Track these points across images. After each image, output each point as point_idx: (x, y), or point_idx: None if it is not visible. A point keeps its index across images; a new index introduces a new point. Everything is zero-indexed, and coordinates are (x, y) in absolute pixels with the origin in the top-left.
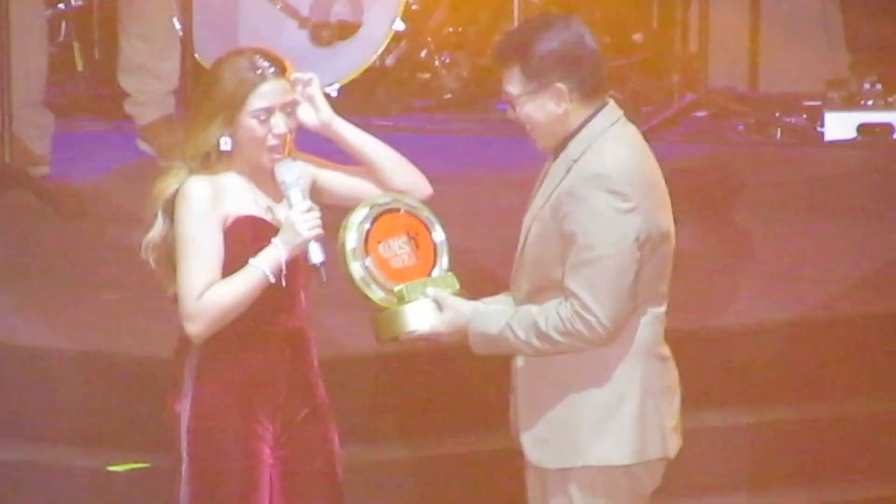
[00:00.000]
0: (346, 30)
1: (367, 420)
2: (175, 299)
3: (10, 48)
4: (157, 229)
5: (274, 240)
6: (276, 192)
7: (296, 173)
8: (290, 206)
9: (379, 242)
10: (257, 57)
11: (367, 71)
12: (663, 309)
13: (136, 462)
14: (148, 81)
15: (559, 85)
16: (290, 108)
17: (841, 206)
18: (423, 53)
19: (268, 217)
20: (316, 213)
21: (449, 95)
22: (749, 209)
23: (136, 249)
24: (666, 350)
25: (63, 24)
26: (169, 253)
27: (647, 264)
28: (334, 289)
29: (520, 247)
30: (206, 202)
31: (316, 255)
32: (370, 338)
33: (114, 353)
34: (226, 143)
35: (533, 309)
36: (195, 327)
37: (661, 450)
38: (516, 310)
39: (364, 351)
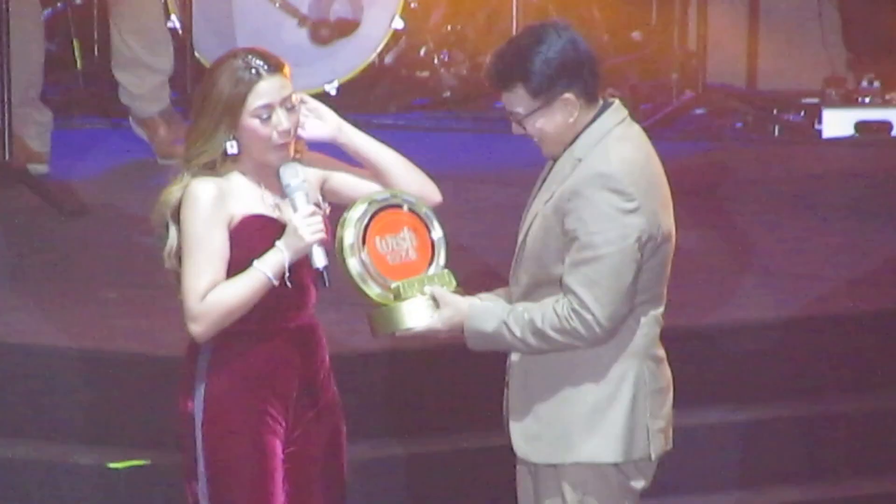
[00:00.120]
0: (346, 28)
1: (364, 417)
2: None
3: (9, 46)
4: (174, 238)
5: (277, 243)
6: (283, 190)
7: (300, 177)
8: (294, 209)
9: (377, 238)
10: (250, 57)
11: (366, 69)
12: (661, 310)
13: (136, 459)
14: (142, 74)
15: (566, 95)
16: (290, 104)
17: (838, 204)
18: (422, 52)
19: (275, 215)
20: (319, 218)
21: (448, 94)
22: (746, 206)
23: (136, 247)
24: (661, 351)
25: (62, 22)
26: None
27: (647, 265)
28: (332, 286)
29: (520, 242)
30: (211, 203)
31: (319, 259)
32: (367, 335)
33: (113, 350)
34: (232, 147)
35: (530, 306)
36: (198, 328)
37: (644, 450)
38: (513, 307)
39: (362, 348)
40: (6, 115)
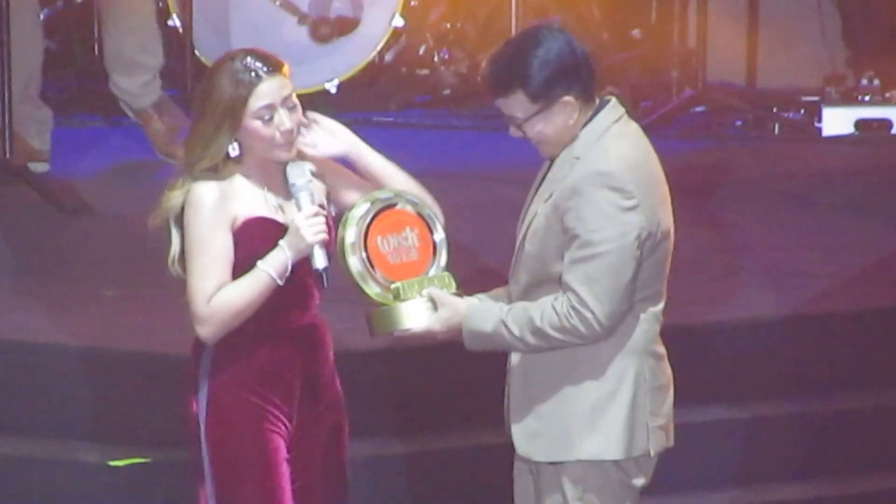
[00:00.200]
0: (346, 26)
1: (365, 414)
2: None
3: (9, 44)
4: (177, 244)
5: (280, 242)
6: (286, 191)
7: (306, 177)
8: (298, 209)
9: (378, 238)
10: (249, 58)
11: (366, 67)
12: (661, 307)
13: (136, 457)
14: (134, 71)
15: (566, 98)
16: (291, 103)
17: (838, 202)
18: (422, 50)
19: (278, 217)
20: (322, 219)
21: (448, 91)
22: (746, 205)
23: (136, 246)
24: (661, 348)
25: (62, 21)
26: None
27: (646, 262)
28: (333, 285)
29: (519, 240)
30: (213, 205)
31: (319, 260)
32: (367, 333)
33: (113, 348)
34: (234, 150)
35: (528, 305)
36: (206, 330)
37: (644, 446)
38: (511, 306)
39: (363, 346)
40: (6, 113)
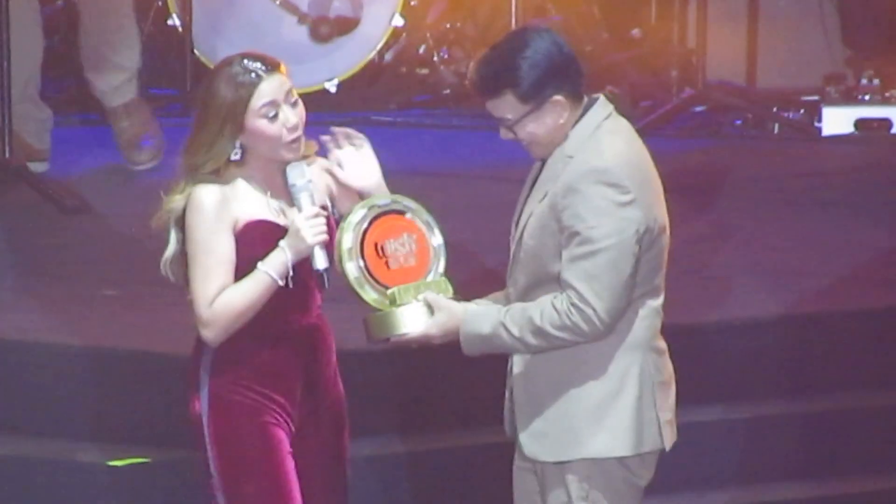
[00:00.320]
0: (345, 26)
1: (366, 414)
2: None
3: (8, 43)
4: (173, 246)
5: (280, 243)
6: (288, 194)
7: (306, 177)
8: (299, 210)
9: (376, 244)
10: (246, 60)
11: (366, 67)
12: (660, 301)
13: (136, 457)
14: (110, 71)
15: (556, 97)
16: (292, 98)
17: (838, 201)
18: (422, 49)
19: (280, 220)
20: (322, 220)
21: (447, 91)
22: (746, 204)
23: (136, 245)
24: (663, 343)
25: (61, 20)
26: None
27: (644, 257)
28: (333, 284)
29: (515, 243)
30: (216, 208)
31: (320, 261)
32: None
33: (114, 347)
34: (235, 153)
35: (527, 305)
36: (210, 333)
37: (657, 442)
38: (508, 307)
39: (363, 346)
40: (6, 112)
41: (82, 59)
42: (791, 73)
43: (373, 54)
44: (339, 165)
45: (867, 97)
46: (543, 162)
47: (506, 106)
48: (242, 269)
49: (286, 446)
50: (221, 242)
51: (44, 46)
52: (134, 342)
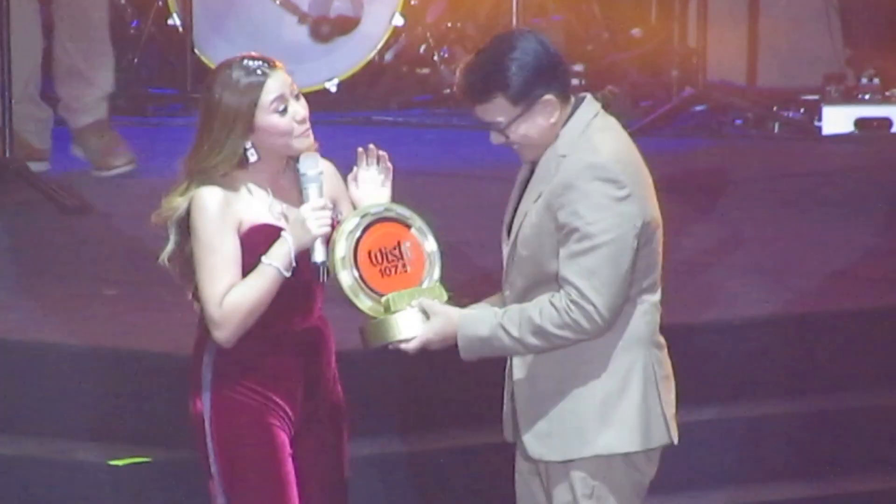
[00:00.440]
0: (346, 25)
1: (365, 414)
2: (193, 300)
3: (9, 43)
4: (171, 246)
5: (283, 234)
6: (291, 198)
7: (318, 168)
8: (306, 199)
9: (370, 251)
10: (247, 61)
11: (366, 66)
12: (658, 297)
13: (137, 457)
14: (82, 87)
15: (546, 97)
16: (296, 92)
17: (838, 201)
18: (422, 49)
19: (282, 224)
20: (328, 212)
21: (448, 90)
22: (746, 203)
23: (137, 244)
24: (662, 339)
25: None
26: (188, 262)
27: (641, 252)
28: (333, 285)
29: (509, 245)
30: (220, 208)
31: (319, 254)
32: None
33: (114, 347)
34: (252, 155)
35: (524, 306)
36: (222, 333)
37: (665, 436)
38: (505, 309)
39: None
40: (6, 112)
41: (54, 72)
42: (791, 72)
43: (373, 54)
44: (356, 180)
45: (867, 96)
46: (532, 164)
47: (497, 109)
48: (245, 273)
49: (287, 449)
50: (227, 241)
51: (43, 46)
52: (134, 342)
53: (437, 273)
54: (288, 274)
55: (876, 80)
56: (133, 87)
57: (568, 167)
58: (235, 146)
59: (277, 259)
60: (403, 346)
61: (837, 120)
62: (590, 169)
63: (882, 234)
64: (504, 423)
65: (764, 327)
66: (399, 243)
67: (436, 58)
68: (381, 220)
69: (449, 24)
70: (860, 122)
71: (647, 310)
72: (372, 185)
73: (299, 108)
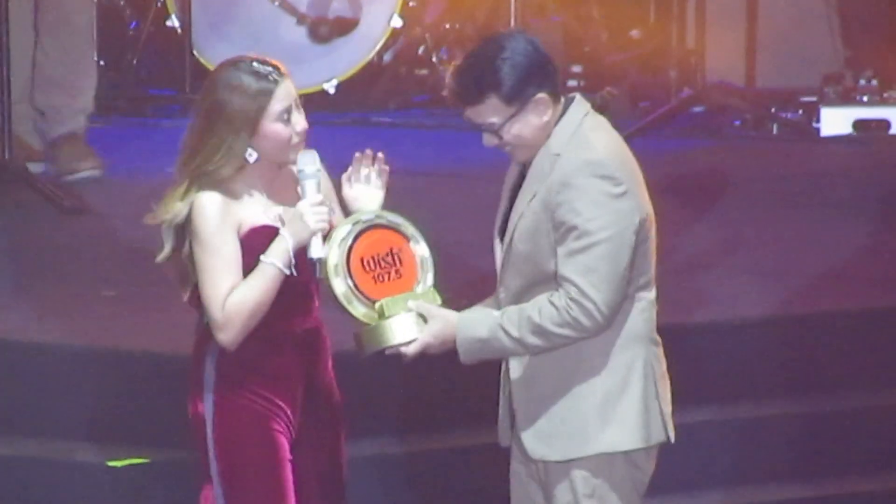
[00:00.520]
0: (344, 26)
1: (363, 414)
2: (189, 303)
3: (8, 44)
4: (167, 250)
5: (281, 231)
6: (288, 199)
7: (316, 166)
8: (303, 196)
9: (362, 259)
10: (256, 64)
11: (365, 67)
12: (654, 294)
13: (136, 457)
14: (61, 98)
15: (539, 95)
16: (299, 103)
17: (836, 202)
18: (421, 50)
19: (279, 225)
20: (325, 208)
21: (447, 91)
22: (744, 204)
23: (136, 245)
24: (658, 336)
25: None
26: (185, 266)
27: (639, 248)
28: (326, 290)
29: (504, 247)
30: (220, 211)
31: (316, 249)
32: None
33: (113, 348)
34: (251, 156)
35: (523, 306)
36: (226, 335)
37: (662, 434)
38: (504, 310)
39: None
40: (6, 112)
41: (34, 79)
42: (790, 73)
43: (372, 55)
44: (349, 181)
45: (865, 98)
46: (522, 166)
47: (490, 110)
48: (247, 274)
49: (287, 454)
50: (227, 243)
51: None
52: (134, 342)
53: (430, 279)
54: (288, 272)
55: (874, 82)
56: (132, 88)
57: (564, 165)
58: (240, 148)
59: (277, 257)
60: (402, 349)
61: (836, 121)
62: (587, 166)
63: (880, 234)
64: (500, 427)
65: (763, 327)
66: (391, 250)
67: (434, 59)
68: (372, 227)
69: (447, 25)
70: (858, 124)
71: (644, 307)
72: (365, 185)
73: (301, 120)
